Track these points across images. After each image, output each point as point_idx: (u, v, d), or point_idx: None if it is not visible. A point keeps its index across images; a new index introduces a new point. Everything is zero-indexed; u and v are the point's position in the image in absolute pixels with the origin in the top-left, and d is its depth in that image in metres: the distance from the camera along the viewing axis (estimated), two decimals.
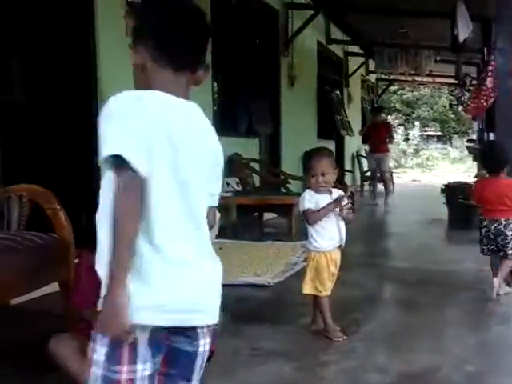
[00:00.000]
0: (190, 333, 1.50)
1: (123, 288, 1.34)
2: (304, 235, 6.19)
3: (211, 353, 2.58)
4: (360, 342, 3.12)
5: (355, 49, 13.89)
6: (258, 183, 8.13)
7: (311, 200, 3.23)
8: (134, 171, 1.34)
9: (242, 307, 3.84)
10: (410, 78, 14.59)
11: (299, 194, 7.86)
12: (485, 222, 4.01)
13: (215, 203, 1.64)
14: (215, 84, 7.79)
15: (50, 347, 2.37)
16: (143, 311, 1.36)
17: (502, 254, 3.95)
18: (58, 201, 3.13)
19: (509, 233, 3.91)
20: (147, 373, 1.42)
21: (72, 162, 4.85)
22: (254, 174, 7.98)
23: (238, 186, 7.31)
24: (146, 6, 1.58)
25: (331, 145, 10.87)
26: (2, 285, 2.62)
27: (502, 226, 3.93)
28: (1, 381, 2.59)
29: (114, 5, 4.96)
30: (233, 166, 7.57)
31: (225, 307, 3.63)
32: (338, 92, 13.23)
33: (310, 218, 3.22)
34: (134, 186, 1.35)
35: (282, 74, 9.68)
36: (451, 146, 28.60)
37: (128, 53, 1.60)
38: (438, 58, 12.49)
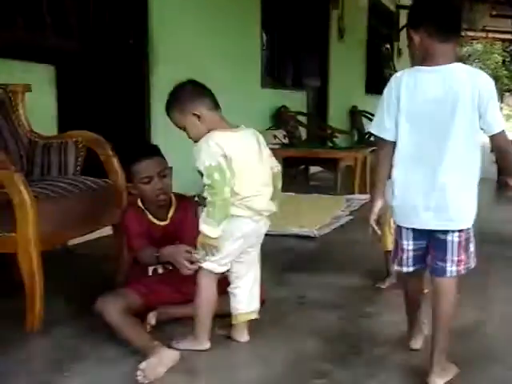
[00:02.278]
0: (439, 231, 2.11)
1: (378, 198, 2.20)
2: (348, 190, 6.24)
3: (262, 302, 2.69)
4: None
5: (407, 2, 13.51)
6: (304, 136, 8.12)
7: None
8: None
9: (288, 257, 3.91)
10: (462, 33, 14.19)
11: (346, 149, 7.90)
12: None
13: None
14: (264, 37, 7.72)
15: (97, 307, 2.44)
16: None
17: None
18: (112, 148, 3.21)
19: None
20: (410, 247, 2.18)
21: (125, 110, 4.94)
22: (300, 127, 7.97)
23: (284, 138, 7.32)
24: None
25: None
26: (60, 227, 2.73)
27: None
28: (53, 317, 2.71)
29: None
30: (280, 118, 7.57)
31: (271, 257, 3.75)
32: (388, 46, 12.97)
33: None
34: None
35: (332, 27, 9.54)
36: (502, 102, 27.83)
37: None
38: (494, 13, 12.09)
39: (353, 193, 6.26)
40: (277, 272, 3.48)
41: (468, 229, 2.13)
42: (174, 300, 2.66)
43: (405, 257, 2.21)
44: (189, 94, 2.36)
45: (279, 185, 2.52)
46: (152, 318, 2.55)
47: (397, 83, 2.11)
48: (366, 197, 6.02)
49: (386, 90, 2.16)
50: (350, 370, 2.29)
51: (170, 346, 2.33)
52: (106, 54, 4.83)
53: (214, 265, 2.37)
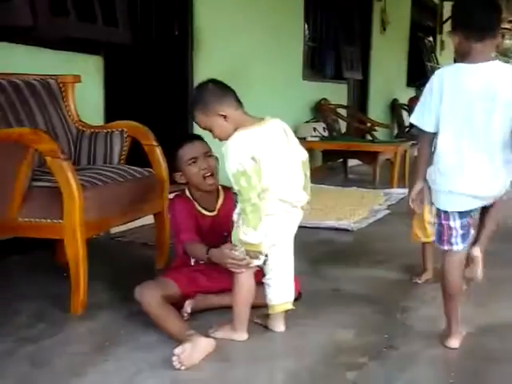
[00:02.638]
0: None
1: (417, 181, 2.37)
2: (387, 184, 6.22)
3: (299, 294, 2.72)
4: (440, 291, 3.14)
5: None
6: (344, 129, 8.11)
7: None
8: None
9: (324, 250, 3.94)
10: (508, 26, 13.91)
11: (385, 142, 7.86)
12: None
13: None
14: (306, 29, 7.72)
15: (136, 295, 2.49)
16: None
17: None
18: (155, 138, 3.29)
19: None
20: (457, 225, 2.34)
21: (169, 101, 5.03)
22: (340, 120, 7.96)
23: (324, 131, 7.32)
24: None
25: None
26: (105, 214, 2.82)
27: None
28: (96, 302, 2.81)
29: None
30: (320, 111, 7.58)
31: (308, 249, 3.77)
32: (430, 38, 12.80)
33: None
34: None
35: (375, 19, 9.47)
36: None
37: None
38: None
39: (391, 187, 6.24)
40: (313, 264, 3.52)
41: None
42: (212, 290, 2.70)
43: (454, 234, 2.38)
44: (213, 95, 2.36)
45: (308, 173, 2.51)
46: (188, 306, 2.60)
47: (439, 79, 2.25)
48: (404, 191, 6.00)
49: (428, 85, 2.29)
50: (384, 363, 2.32)
51: (207, 335, 2.38)
52: (152, 44, 4.93)
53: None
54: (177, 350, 2.18)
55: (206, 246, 2.59)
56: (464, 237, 2.39)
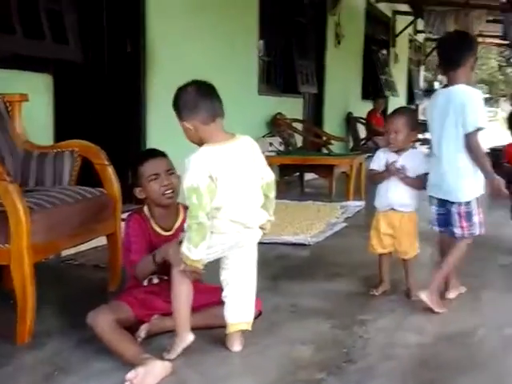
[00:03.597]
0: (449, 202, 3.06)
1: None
2: (343, 196, 6.25)
3: (259, 313, 2.70)
4: (397, 302, 3.17)
5: (404, 8, 13.57)
6: (300, 143, 8.14)
7: (375, 160, 3.27)
8: None
9: (282, 265, 3.92)
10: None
11: (341, 155, 7.93)
12: None
13: None
14: (261, 43, 7.75)
15: (88, 319, 2.42)
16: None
17: None
18: (107, 157, 3.23)
19: None
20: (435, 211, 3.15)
21: (122, 119, 4.95)
22: (296, 134, 7.99)
23: (280, 145, 7.33)
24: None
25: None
26: (54, 237, 2.74)
27: None
28: (45, 329, 2.71)
29: None
30: (276, 125, 7.59)
31: (264, 265, 3.76)
32: (384, 52, 13.02)
33: (368, 177, 3.36)
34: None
35: (329, 33, 9.56)
36: (498, 107, 27.89)
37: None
38: (490, 18, 12.12)
39: (348, 200, 6.27)
40: (270, 280, 3.49)
41: (467, 203, 3.00)
42: (166, 311, 2.63)
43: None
44: (185, 103, 2.36)
45: (272, 194, 2.52)
46: (142, 331, 2.54)
47: (431, 99, 3.29)
48: (360, 203, 6.05)
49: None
50: (342, 378, 2.30)
51: (162, 358, 2.32)
52: (104, 62, 4.86)
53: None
54: (129, 375, 2.12)
55: (150, 256, 2.56)
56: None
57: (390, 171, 3.18)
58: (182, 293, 2.42)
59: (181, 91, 2.41)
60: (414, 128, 3.19)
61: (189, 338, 2.41)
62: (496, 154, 6.94)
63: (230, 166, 2.34)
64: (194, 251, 2.27)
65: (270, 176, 2.51)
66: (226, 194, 2.31)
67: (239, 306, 2.51)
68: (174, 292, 2.43)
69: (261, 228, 2.50)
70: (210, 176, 2.27)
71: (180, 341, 2.41)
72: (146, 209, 2.74)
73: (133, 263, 2.67)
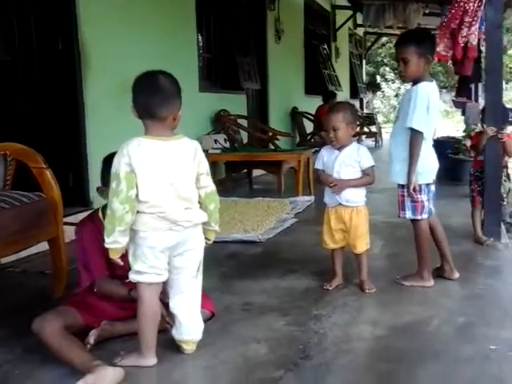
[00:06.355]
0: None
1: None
2: (292, 192, 6.22)
3: (212, 314, 2.62)
4: (351, 296, 3.14)
5: (343, 2, 13.68)
6: (245, 140, 8.08)
7: (319, 158, 3.27)
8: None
9: (233, 263, 3.85)
10: (398, 32, 14.42)
11: (288, 151, 7.89)
12: None
13: None
14: (200, 40, 7.64)
15: (34, 327, 2.33)
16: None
17: None
18: (45, 160, 3.09)
19: None
20: (425, 198, 3.21)
21: (58, 120, 4.76)
22: (241, 131, 7.92)
23: (225, 142, 7.26)
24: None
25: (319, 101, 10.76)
26: None
27: None
28: None
29: None
30: (220, 122, 7.51)
31: (215, 264, 3.67)
32: (325, 46, 13.08)
33: (315, 178, 3.32)
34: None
35: (269, 29, 9.53)
36: (439, 99, 28.47)
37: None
38: (427, 11, 12.32)
39: (297, 195, 6.24)
40: (221, 279, 3.42)
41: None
42: (116, 316, 2.56)
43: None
44: (139, 93, 2.31)
45: (212, 206, 2.43)
46: (91, 337, 2.44)
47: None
48: (310, 198, 6.03)
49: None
50: (300, 375, 2.26)
51: (113, 364, 2.24)
52: (33, 59, 4.68)
53: (150, 276, 2.29)
54: (79, 383, 2.04)
55: (126, 288, 2.49)
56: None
57: (325, 184, 3.21)
58: (149, 312, 2.32)
59: (139, 79, 2.37)
60: (351, 122, 3.18)
61: (152, 361, 2.33)
62: (441, 144, 7.08)
63: (158, 161, 2.25)
64: (106, 239, 2.23)
65: (210, 187, 2.42)
66: (149, 188, 2.23)
67: (186, 325, 2.42)
68: (140, 312, 2.32)
69: (205, 238, 2.45)
70: (130, 164, 2.21)
71: (141, 360, 2.32)
72: (100, 212, 2.63)
73: (94, 278, 2.58)
